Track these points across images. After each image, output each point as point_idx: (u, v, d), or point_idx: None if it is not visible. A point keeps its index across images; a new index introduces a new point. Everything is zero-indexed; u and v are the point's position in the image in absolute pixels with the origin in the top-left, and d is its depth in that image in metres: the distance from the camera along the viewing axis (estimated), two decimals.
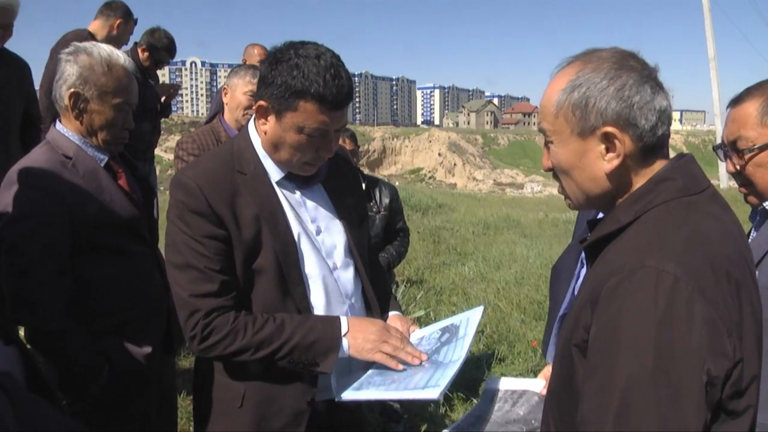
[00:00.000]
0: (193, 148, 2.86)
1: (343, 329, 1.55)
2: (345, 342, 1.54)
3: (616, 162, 1.12)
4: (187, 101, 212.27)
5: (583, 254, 2.49)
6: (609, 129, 1.10)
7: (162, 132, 4.95)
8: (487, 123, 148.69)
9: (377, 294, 1.79)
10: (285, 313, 1.56)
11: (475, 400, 3.91)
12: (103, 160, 1.99)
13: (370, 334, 1.55)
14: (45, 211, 1.80)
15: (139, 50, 4.49)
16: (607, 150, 1.13)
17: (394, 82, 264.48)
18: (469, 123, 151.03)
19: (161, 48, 4.46)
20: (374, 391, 1.49)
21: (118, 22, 4.12)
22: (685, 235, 1.04)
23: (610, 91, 1.10)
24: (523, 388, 1.56)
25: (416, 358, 1.54)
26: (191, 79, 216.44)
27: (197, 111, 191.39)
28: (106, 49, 1.97)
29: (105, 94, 1.94)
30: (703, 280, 0.99)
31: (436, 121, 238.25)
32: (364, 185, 3.50)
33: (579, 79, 1.12)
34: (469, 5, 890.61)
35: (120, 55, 2.00)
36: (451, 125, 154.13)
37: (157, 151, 5.23)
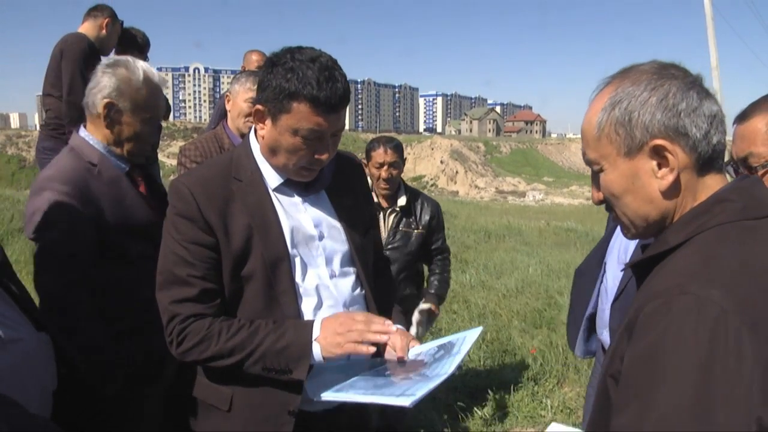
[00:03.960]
0: (196, 155, 2.86)
1: (315, 333, 1.49)
2: (316, 346, 1.48)
3: (670, 177, 1.02)
4: (189, 107, 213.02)
5: (606, 257, 2.52)
6: (658, 142, 1.01)
7: (164, 137, 4.80)
8: (490, 131, 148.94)
9: (381, 304, 1.76)
10: (262, 319, 1.53)
11: (476, 408, 3.91)
12: (124, 170, 2.06)
13: (337, 328, 1.48)
14: (72, 219, 1.86)
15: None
16: (659, 166, 1.03)
17: (396, 90, 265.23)
18: (471, 131, 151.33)
19: (125, 45, 4.38)
20: (353, 393, 1.45)
21: (106, 21, 4.12)
22: (739, 262, 0.93)
23: (652, 101, 1.02)
24: None
25: (384, 334, 1.48)
26: (194, 85, 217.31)
27: (200, 117, 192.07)
28: (143, 64, 2.05)
29: (137, 108, 2.01)
30: (756, 314, 0.87)
31: (439, 129, 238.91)
32: (405, 199, 3.26)
33: (618, 95, 1.05)
34: (472, 13, 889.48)
35: (154, 72, 2.07)
36: (453, 133, 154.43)
37: (159, 156, 5.13)
